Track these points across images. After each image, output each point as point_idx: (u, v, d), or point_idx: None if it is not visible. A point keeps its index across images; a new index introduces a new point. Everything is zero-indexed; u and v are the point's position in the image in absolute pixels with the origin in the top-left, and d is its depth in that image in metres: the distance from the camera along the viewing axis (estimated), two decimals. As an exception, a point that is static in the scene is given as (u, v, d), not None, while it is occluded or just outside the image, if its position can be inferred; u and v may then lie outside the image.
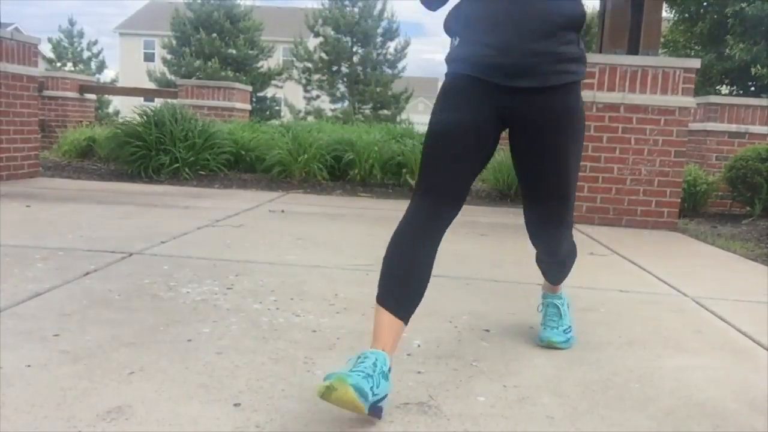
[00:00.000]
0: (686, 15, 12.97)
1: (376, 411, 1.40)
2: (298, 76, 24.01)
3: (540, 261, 1.98)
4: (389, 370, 1.43)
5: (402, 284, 1.58)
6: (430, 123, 1.64)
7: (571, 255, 1.98)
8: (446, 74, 1.68)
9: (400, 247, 1.60)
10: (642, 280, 3.01)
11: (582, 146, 1.76)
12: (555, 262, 1.95)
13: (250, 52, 23.36)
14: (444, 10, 1.69)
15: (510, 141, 1.70)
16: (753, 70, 11.34)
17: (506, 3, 1.56)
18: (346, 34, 23.58)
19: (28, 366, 1.60)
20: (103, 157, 7.12)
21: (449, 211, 1.60)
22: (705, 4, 12.46)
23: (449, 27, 1.67)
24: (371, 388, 1.33)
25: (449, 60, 1.67)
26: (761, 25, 11.22)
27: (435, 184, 1.60)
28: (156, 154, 6.14)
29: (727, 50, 11.87)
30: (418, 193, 1.61)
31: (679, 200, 4.84)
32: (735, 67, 12.07)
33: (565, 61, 1.59)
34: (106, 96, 20.99)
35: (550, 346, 1.96)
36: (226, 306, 2.20)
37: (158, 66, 25.04)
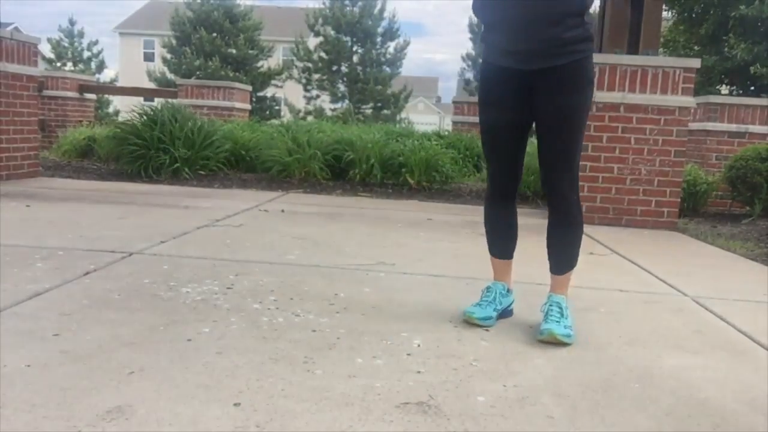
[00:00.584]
0: (686, 15, 12.96)
1: (506, 313, 2.24)
2: (298, 76, 24.02)
3: (549, 235, 2.18)
4: (508, 289, 2.26)
5: (499, 237, 2.29)
6: (480, 120, 2.16)
7: (576, 221, 2.13)
8: (482, 59, 2.16)
9: (489, 212, 2.29)
10: (642, 280, 3.01)
11: (587, 112, 2.07)
12: (561, 221, 2.13)
13: (250, 51, 23.37)
14: None
15: (533, 105, 2.06)
16: (752, 69, 11.33)
17: None
18: (346, 34, 23.59)
19: (28, 366, 1.60)
20: (103, 157, 7.12)
21: (513, 182, 2.19)
22: (703, 5, 12.45)
23: (475, 11, 2.08)
24: (494, 309, 2.17)
25: (482, 44, 2.14)
26: (762, 25, 11.22)
27: (495, 170, 2.18)
28: (156, 153, 6.14)
29: (727, 50, 11.87)
30: (488, 175, 2.24)
31: (679, 200, 4.84)
32: (735, 67, 12.06)
33: (571, 43, 1.95)
34: (106, 96, 20.99)
35: (551, 338, 1.98)
36: (226, 306, 2.20)
37: (158, 66, 25.05)
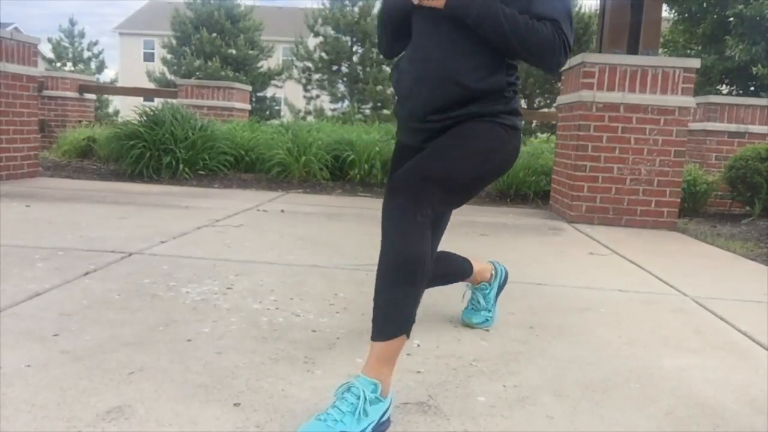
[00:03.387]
0: (686, 15, 12.96)
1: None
2: (298, 76, 24.00)
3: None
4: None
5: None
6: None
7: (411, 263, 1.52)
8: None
9: None
10: (642, 280, 3.01)
11: (475, 169, 1.59)
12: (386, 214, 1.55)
13: (250, 51, 23.35)
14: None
15: None
16: (755, 70, 11.34)
17: (415, 70, 1.64)
18: (346, 34, 23.57)
19: (28, 366, 1.60)
20: (102, 157, 7.12)
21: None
22: (703, 5, 12.46)
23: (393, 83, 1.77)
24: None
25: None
26: (760, 25, 11.23)
27: None
28: (156, 154, 6.14)
29: (728, 50, 11.87)
30: None
31: (679, 200, 4.84)
32: (735, 67, 12.07)
33: (477, 116, 1.61)
34: (106, 96, 21.00)
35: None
36: (226, 306, 2.20)
37: (158, 66, 25.04)
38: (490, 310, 2.15)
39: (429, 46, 1.62)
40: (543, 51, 1.55)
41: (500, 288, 2.20)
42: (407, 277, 1.48)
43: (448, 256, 2.02)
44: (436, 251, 1.83)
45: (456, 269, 2.06)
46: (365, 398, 1.36)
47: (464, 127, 1.62)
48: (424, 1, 1.56)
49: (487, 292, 2.15)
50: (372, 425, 1.35)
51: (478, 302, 2.14)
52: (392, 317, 1.48)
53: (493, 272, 2.18)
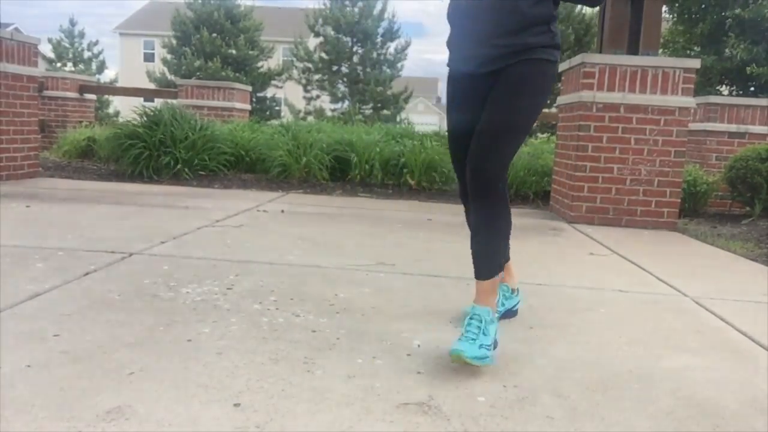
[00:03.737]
0: (686, 15, 12.97)
1: (510, 314, 2.19)
2: (298, 76, 24.01)
3: (472, 239, 1.95)
4: (512, 291, 2.22)
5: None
6: (447, 126, 2.12)
7: (498, 221, 1.93)
8: (447, 63, 2.10)
9: (469, 215, 2.07)
10: (642, 280, 3.01)
11: (534, 112, 1.95)
12: (480, 214, 1.92)
13: (251, 52, 23.36)
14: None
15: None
16: (748, 69, 11.35)
17: (474, 9, 1.91)
18: (347, 34, 23.58)
19: (28, 366, 1.60)
20: (103, 157, 7.12)
21: None
22: (704, 6, 12.46)
23: (447, 17, 2.04)
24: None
25: (448, 49, 2.08)
26: (759, 26, 11.23)
27: (460, 174, 2.08)
28: (156, 154, 6.14)
29: (728, 50, 11.88)
30: (459, 192, 2.19)
31: (679, 200, 4.84)
32: (734, 68, 12.07)
33: (533, 48, 1.88)
34: (106, 96, 21.00)
35: (459, 360, 1.70)
36: (226, 306, 2.20)
37: (158, 66, 25.04)
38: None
39: None
40: None
41: (507, 312, 2.24)
42: (500, 232, 1.97)
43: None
44: None
45: None
46: (485, 321, 1.81)
47: (517, 80, 1.89)
48: None
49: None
50: (492, 340, 1.80)
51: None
52: (492, 262, 1.92)
53: (516, 288, 2.29)
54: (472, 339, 1.74)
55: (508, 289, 2.22)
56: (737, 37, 11.64)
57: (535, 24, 1.87)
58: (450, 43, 2.05)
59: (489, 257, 1.91)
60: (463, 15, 1.96)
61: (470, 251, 1.94)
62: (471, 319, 1.81)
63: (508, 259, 2.20)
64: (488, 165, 1.86)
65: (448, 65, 2.09)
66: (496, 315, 2.01)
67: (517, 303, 2.26)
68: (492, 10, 1.87)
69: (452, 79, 2.07)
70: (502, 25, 1.87)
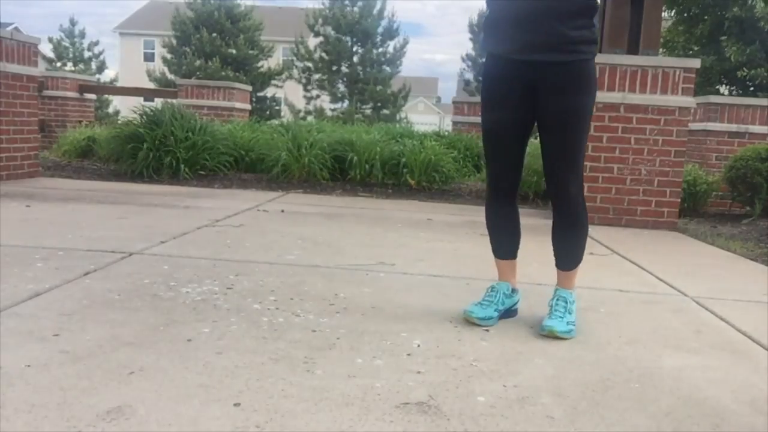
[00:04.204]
0: (685, 15, 12.96)
1: (510, 313, 2.23)
2: (298, 76, 24.01)
3: (554, 233, 2.18)
4: (513, 289, 2.24)
5: (502, 238, 2.27)
6: (483, 119, 2.14)
7: (581, 220, 2.15)
8: (483, 47, 2.17)
9: (491, 213, 2.26)
10: (642, 280, 3.01)
11: (590, 115, 2.08)
12: (565, 218, 2.14)
13: (251, 51, 23.35)
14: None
15: (536, 104, 2.07)
16: (739, 73, 11.36)
17: None
18: (346, 34, 23.58)
19: (28, 366, 1.60)
20: (103, 157, 7.12)
21: (515, 181, 2.18)
22: (701, 6, 12.46)
23: (488, 2, 2.08)
24: (496, 309, 2.15)
25: (483, 29, 2.16)
26: (755, 26, 11.23)
27: (497, 169, 2.16)
28: (156, 154, 6.14)
29: (726, 49, 11.88)
30: (489, 175, 2.19)
31: (679, 200, 4.84)
32: (734, 68, 12.07)
33: (577, 43, 1.96)
34: (106, 96, 21.01)
35: (551, 335, 2.04)
36: (226, 306, 2.20)
37: (158, 66, 25.03)
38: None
39: None
40: None
41: (507, 311, 2.27)
42: (583, 235, 2.19)
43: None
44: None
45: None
46: (569, 301, 2.14)
47: (575, 95, 2.00)
48: None
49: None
50: (574, 317, 2.13)
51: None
52: (575, 257, 2.19)
53: (516, 288, 2.34)
54: (560, 317, 2.08)
55: (509, 288, 2.24)
56: (729, 39, 11.64)
57: (585, 11, 1.95)
58: (493, 26, 2.07)
59: (572, 253, 2.18)
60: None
61: (551, 244, 2.20)
62: (557, 300, 2.14)
63: (515, 257, 2.32)
64: (572, 188, 2.08)
65: (489, 50, 2.10)
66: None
67: (517, 302, 2.27)
68: None
69: (493, 70, 2.09)
70: (556, 10, 1.92)
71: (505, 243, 2.26)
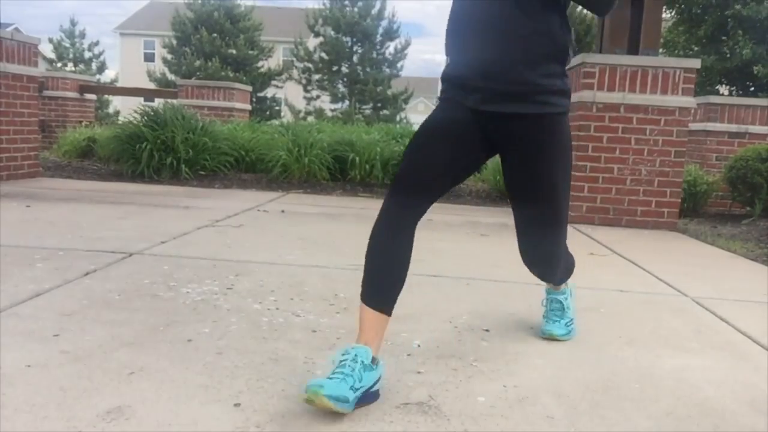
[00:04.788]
0: (685, 16, 12.97)
1: (369, 398, 1.50)
2: (298, 76, 24.01)
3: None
4: (373, 360, 1.52)
5: (379, 275, 1.63)
6: (417, 134, 1.71)
7: (567, 270, 2.04)
8: (441, 91, 1.76)
9: (376, 237, 1.66)
10: (642, 280, 3.01)
11: (569, 174, 1.78)
12: (549, 280, 2.03)
13: (251, 52, 23.36)
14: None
15: (501, 164, 1.80)
16: (756, 69, 11.34)
17: (492, 30, 1.61)
18: (346, 34, 23.58)
19: (28, 366, 1.60)
20: (103, 158, 7.12)
21: (419, 209, 1.69)
22: (702, 6, 12.46)
23: (445, 45, 1.75)
24: (351, 386, 1.42)
25: (442, 79, 1.76)
26: (761, 24, 11.24)
27: (408, 190, 1.65)
28: (157, 154, 6.14)
29: (726, 50, 11.88)
30: (395, 185, 1.66)
31: (679, 200, 4.84)
32: (734, 68, 12.08)
33: (546, 93, 1.64)
34: (106, 96, 21.00)
35: (551, 338, 2.02)
36: (226, 306, 2.20)
37: (158, 66, 25.04)
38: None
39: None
40: None
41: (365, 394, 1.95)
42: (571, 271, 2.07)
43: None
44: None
45: None
46: (564, 302, 2.06)
47: (549, 158, 1.70)
48: None
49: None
50: (572, 313, 2.08)
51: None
52: (560, 277, 2.02)
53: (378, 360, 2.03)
54: (557, 320, 2.03)
55: (369, 356, 1.51)
56: (743, 36, 11.62)
57: (556, 56, 1.63)
58: (453, 63, 1.71)
59: (558, 280, 2.03)
60: (474, 31, 1.63)
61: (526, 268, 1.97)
62: (551, 303, 2.06)
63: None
64: (555, 263, 1.90)
65: (442, 94, 1.74)
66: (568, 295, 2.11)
67: (378, 380, 1.53)
68: (514, 31, 1.59)
69: (444, 107, 1.72)
70: (526, 53, 1.60)
71: (380, 283, 1.62)
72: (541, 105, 1.64)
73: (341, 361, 1.48)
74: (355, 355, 1.48)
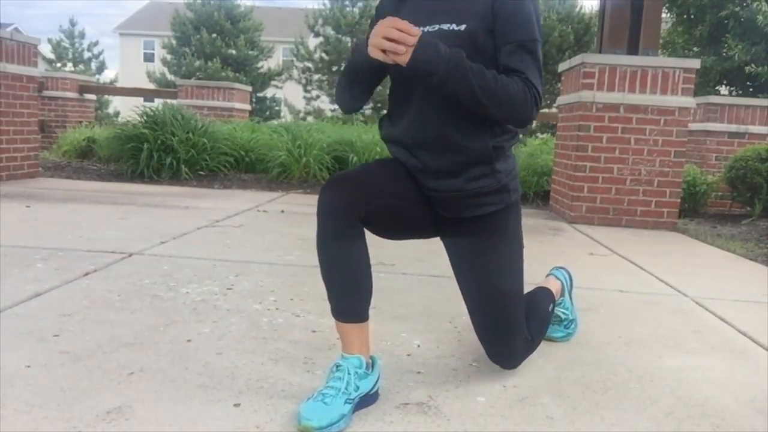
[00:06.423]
0: (685, 16, 12.98)
1: (368, 401, 1.49)
2: (298, 76, 24.01)
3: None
4: (367, 365, 1.49)
5: (341, 287, 1.52)
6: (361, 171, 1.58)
7: (539, 330, 1.82)
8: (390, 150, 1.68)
9: (324, 248, 1.55)
10: (642, 280, 3.01)
11: (517, 265, 1.69)
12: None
13: (250, 52, 23.35)
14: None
15: (447, 252, 1.73)
16: (747, 68, 11.35)
17: (415, 135, 1.56)
18: (347, 34, 23.58)
19: (28, 366, 1.60)
20: (102, 158, 7.12)
21: (357, 204, 1.47)
22: (700, 6, 12.46)
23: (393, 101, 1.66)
24: (346, 400, 1.40)
25: (384, 139, 1.68)
26: (757, 26, 11.25)
27: (340, 185, 1.50)
28: (157, 154, 6.14)
29: (725, 51, 11.89)
30: (332, 185, 1.50)
31: (679, 200, 4.84)
32: (734, 68, 12.08)
33: (478, 196, 1.57)
34: (106, 96, 20.99)
35: (549, 341, 2.00)
36: (226, 306, 2.20)
37: (158, 66, 25.03)
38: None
39: (419, 103, 1.52)
40: (514, 107, 1.44)
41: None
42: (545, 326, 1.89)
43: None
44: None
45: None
46: (561, 308, 2.03)
47: (493, 245, 1.62)
48: (389, 56, 1.37)
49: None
50: (571, 312, 2.06)
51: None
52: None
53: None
54: (553, 325, 2.00)
55: (362, 364, 1.48)
56: (734, 38, 11.64)
57: (478, 161, 1.54)
58: (395, 124, 1.63)
59: (512, 359, 1.76)
60: (413, 115, 1.55)
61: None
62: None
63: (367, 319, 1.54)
64: (512, 362, 1.73)
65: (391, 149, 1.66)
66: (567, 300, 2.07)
67: (376, 381, 1.52)
68: (441, 137, 1.52)
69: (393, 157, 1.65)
70: (447, 166, 1.54)
71: (349, 296, 1.52)
72: (476, 208, 1.59)
73: (334, 376, 1.44)
74: (347, 369, 1.45)
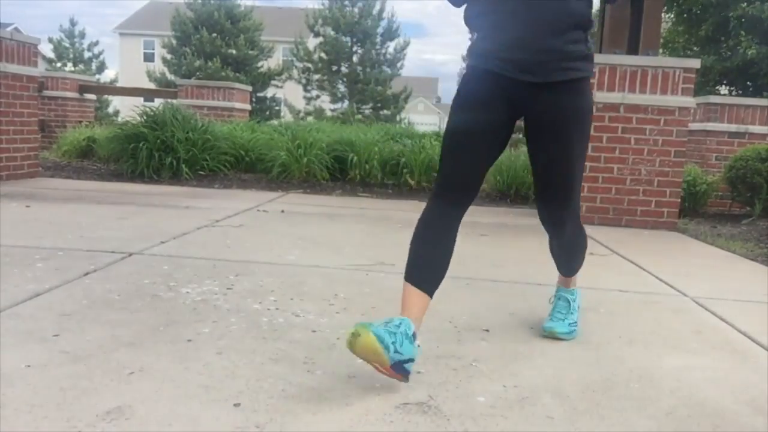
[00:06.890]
0: (685, 16, 12.98)
1: (401, 371, 1.55)
2: (298, 76, 24.02)
3: (551, 247, 2.09)
4: (414, 335, 1.60)
5: (426, 259, 1.76)
6: (449, 121, 1.83)
7: (578, 241, 2.07)
8: (467, 66, 1.89)
9: (423, 225, 1.79)
10: (642, 280, 3.01)
11: (587, 141, 1.91)
12: (562, 244, 2.04)
13: (251, 52, 23.36)
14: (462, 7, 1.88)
15: (524, 130, 1.88)
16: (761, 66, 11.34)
17: (518, 3, 1.72)
18: (346, 34, 23.59)
19: (28, 366, 1.60)
20: (102, 158, 7.12)
21: (465, 201, 1.81)
22: (701, 6, 12.46)
23: (469, 21, 1.85)
24: (393, 342, 1.50)
25: (469, 53, 1.88)
26: (763, 24, 11.24)
27: (451, 174, 1.78)
28: (157, 154, 6.14)
29: (726, 49, 11.88)
30: (439, 182, 1.79)
31: (679, 200, 4.84)
32: (734, 68, 12.08)
33: (572, 59, 1.75)
34: (106, 96, 20.99)
35: (552, 336, 2.03)
36: (226, 306, 2.20)
37: (158, 66, 25.04)
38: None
39: None
40: None
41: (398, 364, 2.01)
42: (582, 248, 2.11)
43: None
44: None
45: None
46: (571, 301, 2.11)
47: (571, 122, 1.80)
48: None
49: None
50: (577, 316, 2.11)
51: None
52: (575, 266, 2.12)
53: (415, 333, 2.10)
54: (561, 318, 2.07)
55: (411, 329, 1.60)
56: (747, 36, 11.61)
57: (581, 25, 1.75)
58: (481, 37, 1.82)
59: (571, 263, 2.11)
60: (503, 5, 1.74)
61: (550, 252, 2.12)
62: (559, 300, 2.11)
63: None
64: (568, 226, 1.95)
65: (472, 63, 1.84)
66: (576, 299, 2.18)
67: (413, 359, 1.59)
68: (539, 3, 1.71)
69: (475, 77, 1.82)
70: (551, 24, 1.71)
71: (426, 267, 1.75)
72: (567, 71, 1.75)
73: (387, 322, 1.56)
74: (400, 323, 1.57)
